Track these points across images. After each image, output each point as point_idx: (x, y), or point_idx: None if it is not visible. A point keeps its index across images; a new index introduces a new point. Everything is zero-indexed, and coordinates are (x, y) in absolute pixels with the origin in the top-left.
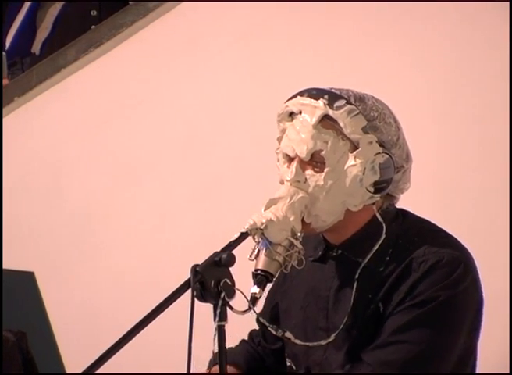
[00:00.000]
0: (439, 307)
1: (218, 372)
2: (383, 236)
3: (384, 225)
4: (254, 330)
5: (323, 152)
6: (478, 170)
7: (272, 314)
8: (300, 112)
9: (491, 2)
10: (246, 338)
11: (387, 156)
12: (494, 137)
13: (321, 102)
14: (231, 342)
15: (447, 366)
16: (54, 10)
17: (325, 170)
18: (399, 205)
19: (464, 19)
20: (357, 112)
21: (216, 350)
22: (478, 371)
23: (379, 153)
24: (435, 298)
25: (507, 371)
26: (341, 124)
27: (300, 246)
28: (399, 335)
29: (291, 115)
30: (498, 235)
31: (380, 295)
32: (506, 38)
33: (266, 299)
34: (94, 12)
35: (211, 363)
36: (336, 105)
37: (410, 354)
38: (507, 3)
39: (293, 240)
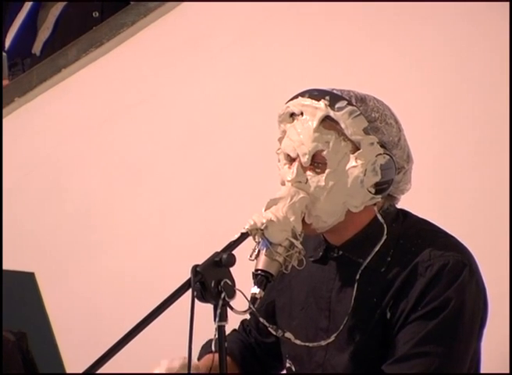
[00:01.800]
0: (452, 315)
1: (210, 361)
2: (384, 236)
3: (385, 225)
4: (246, 319)
5: (324, 152)
6: (478, 170)
7: (266, 310)
8: (302, 113)
9: (491, 2)
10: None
11: (388, 157)
12: (494, 137)
13: (322, 103)
14: None
15: (465, 369)
16: (55, 10)
17: (326, 171)
18: (399, 205)
19: (463, 19)
20: (358, 113)
21: (216, 350)
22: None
23: (380, 154)
24: (447, 304)
25: (507, 371)
26: (342, 125)
27: (300, 246)
28: (418, 348)
29: (292, 116)
30: (498, 235)
31: (386, 301)
32: (506, 38)
33: None
34: (95, 14)
35: (204, 350)
36: (337, 106)
37: (432, 366)
38: (507, 3)
39: (294, 240)
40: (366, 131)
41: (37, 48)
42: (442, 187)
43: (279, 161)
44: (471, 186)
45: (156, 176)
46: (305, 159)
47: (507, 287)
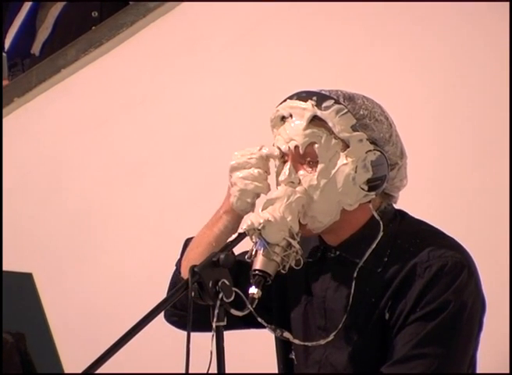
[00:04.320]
0: (451, 316)
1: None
2: (380, 234)
3: (381, 224)
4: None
5: (316, 146)
6: (478, 171)
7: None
8: (291, 116)
9: (491, 2)
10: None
11: (379, 153)
12: (494, 137)
13: (309, 104)
14: (230, 345)
15: (464, 369)
16: (55, 11)
17: (318, 169)
18: (398, 205)
19: (463, 19)
20: (346, 111)
21: (214, 350)
22: (477, 371)
23: (370, 151)
24: (446, 305)
25: (507, 371)
26: (330, 124)
27: (297, 246)
28: (417, 349)
29: (283, 119)
30: (498, 235)
31: (384, 301)
32: (506, 38)
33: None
34: (95, 14)
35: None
36: (324, 105)
37: (431, 367)
38: (507, 3)
39: (291, 240)
40: (354, 128)
41: (36, 48)
42: (442, 187)
43: (276, 166)
44: (471, 186)
45: (156, 176)
46: (297, 150)
47: (507, 287)
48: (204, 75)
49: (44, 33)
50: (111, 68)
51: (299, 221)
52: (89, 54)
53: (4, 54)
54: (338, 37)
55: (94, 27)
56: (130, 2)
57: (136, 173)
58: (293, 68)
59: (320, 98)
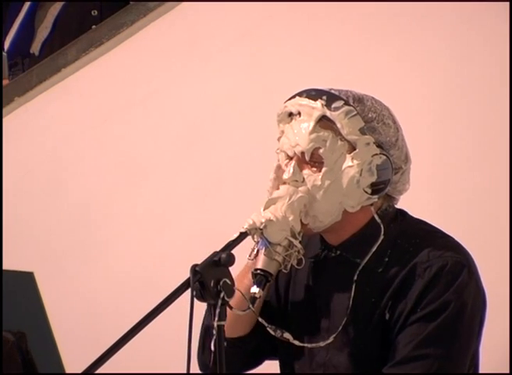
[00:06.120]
0: (451, 316)
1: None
2: (381, 237)
3: (382, 226)
4: None
5: (321, 150)
6: (478, 171)
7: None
8: (299, 113)
9: (491, 2)
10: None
11: (385, 157)
12: (494, 138)
13: (319, 103)
14: None
15: (464, 370)
16: (54, 10)
17: (323, 170)
18: (398, 205)
19: (463, 19)
20: (355, 113)
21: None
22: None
23: (377, 154)
24: (447, 305)
25: (507, 371)
26: (338, 125)
27: (299, 246)
28: (418, 350)
29: (290, 115)
30: (498, 235)
31: (385, 301)
32: (506, 38)
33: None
34: (94, 12)
35: None
36: (333, 105)
37: (432, 368)
38: (507, 3)
39: (293, 239)
40: (362, 131)
41: (35, 47)
42: (442, 187)
43: (279, 160)
44: (471, 186)
45: (156, 175)
46: (303, 156)
47: (507, 287)
48: (204, 75)
49: (43, 32)
50: (111, 67)
51: (300, 220)
52: (89, 53)
53: (4, 53)
54: (337, 37)
55: (94, 27)
56: (131, 2)
57: (137, 172)
58: (293, 68)
59: (330, 97)
